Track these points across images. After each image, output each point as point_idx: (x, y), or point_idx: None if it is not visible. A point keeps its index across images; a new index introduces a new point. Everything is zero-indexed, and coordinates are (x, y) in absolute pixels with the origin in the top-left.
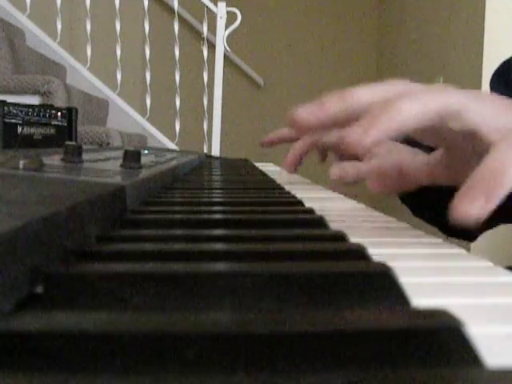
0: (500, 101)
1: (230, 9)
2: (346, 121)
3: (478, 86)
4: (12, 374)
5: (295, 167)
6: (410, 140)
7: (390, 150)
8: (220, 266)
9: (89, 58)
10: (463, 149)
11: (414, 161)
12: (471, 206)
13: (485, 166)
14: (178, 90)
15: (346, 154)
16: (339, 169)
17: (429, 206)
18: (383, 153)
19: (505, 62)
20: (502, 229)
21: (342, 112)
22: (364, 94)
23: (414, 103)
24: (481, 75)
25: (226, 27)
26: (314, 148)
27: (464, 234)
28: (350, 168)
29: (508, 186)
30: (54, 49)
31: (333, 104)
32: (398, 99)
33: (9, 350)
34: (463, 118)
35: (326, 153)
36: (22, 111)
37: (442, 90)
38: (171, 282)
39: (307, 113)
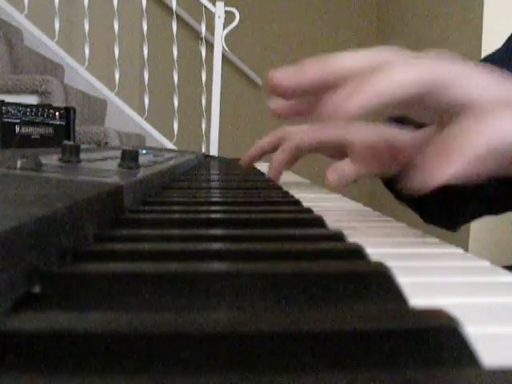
0: (496, 76)
1: (228, 8)
2: (327, 89)
3: None
4: (9, 374)
5: (279, 176)
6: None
7: (380, 130)
8: (218, 266)
9: (87, 57)
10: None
11: (406, 137)
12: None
13: (440, 140)
14: (177, 89)
15: (336, 154)
16: (337, 172)
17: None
18: (373, 132)
19: (485, 58)
20: (500, 228)
21: (323, 78)
22: (348, 60)
23: (402, 72)
24: None
25: (225, 27)
26: (295, 157)
27: (444, 222)
28: (346, 167)
29: (458, 162)
30: (52, 48)
31: (313, 69)
32: (385, 66)
33: (5, 350)
34: (452, 91)
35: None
36: (20, 111)
37: (433, 59)
38: (169, 281)
39: (285, 76)
